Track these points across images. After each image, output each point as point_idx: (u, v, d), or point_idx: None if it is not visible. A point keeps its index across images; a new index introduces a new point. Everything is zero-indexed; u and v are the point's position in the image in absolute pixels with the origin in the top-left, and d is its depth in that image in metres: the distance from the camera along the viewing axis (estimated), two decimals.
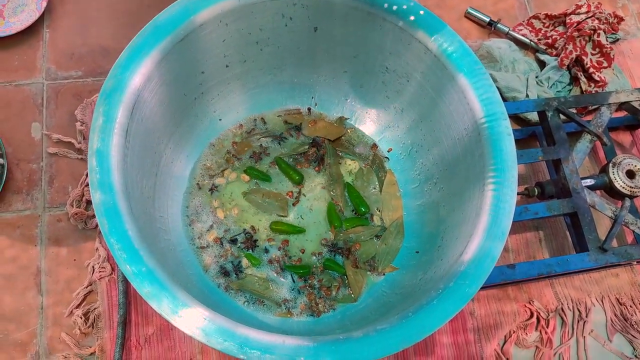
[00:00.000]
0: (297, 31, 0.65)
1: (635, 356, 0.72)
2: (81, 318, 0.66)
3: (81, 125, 0.76)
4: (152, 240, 0.51)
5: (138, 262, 0.44)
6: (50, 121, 0.77)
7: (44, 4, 0.81)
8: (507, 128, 0.55)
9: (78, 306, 0.67)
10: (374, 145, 0.75)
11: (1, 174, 0.71)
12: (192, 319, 0.45)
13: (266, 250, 0.68)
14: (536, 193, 0.74)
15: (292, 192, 0.71)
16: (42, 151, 0.75)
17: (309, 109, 0.76)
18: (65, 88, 0.79)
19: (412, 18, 0.59)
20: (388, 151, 0.75)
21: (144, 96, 0.54)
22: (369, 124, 0.75)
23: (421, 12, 0.60)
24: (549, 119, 0.75)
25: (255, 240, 0.68)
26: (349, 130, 0.75)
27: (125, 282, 0.67)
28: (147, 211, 0.55)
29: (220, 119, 0.71)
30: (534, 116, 0.82)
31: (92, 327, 0.67)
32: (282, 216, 0.70)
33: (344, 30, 0.64)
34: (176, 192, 0.67)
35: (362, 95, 0.73)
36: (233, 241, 0.68)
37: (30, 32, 0.81)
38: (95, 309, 0.67)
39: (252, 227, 0.69)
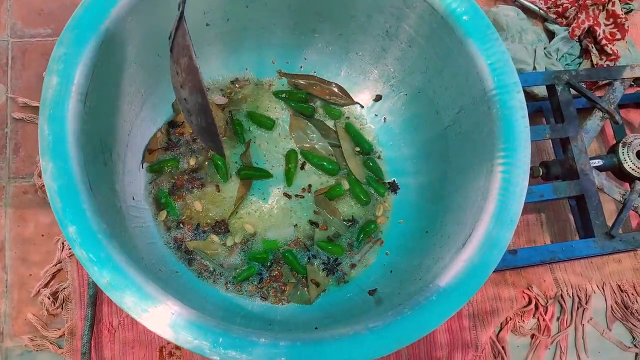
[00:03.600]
0: None
1: (635, 345, 0.71)
2: (49, 298, 0.62)
3: None
4: (118, 221, 0.45)
5: (96, 247, 0.39)
6: (16, 83, 0.71)
7: None
8: (520, 102, 0.50)
9: (46, 285, 0.63)
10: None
11: None
12: (158, 315, 0.40)
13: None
14: (541, 173, 0.71)
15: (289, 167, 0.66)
16: (6, 116, 0.70)
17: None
18: (32, 47, 0.73)
19: None
20: (383, 120, 0.70)
21: (108, 55, 0.48)
22: (365, 94, 0.70)
23: None
24: (558, 93, 0.70)
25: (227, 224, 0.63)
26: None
27: None
28: (113, 187, 0.50)
29: None
30: (540, 90, 0.77)
31: (61, 308, 0.63)
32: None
33: None
34: None
35: (358, 63, 0.68)
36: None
37: None
38: (64, 288, 0.63)
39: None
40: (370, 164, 0.68)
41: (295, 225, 0.63)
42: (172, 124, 0.65)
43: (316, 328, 0.45)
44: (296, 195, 0.65)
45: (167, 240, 0.61)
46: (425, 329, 0.41)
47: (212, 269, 0.61)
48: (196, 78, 0.46)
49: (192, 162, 0.64)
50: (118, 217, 0.46)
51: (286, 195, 0.65)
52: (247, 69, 0.68)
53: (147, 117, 0.59)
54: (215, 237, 0.62)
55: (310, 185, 0.66)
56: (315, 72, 0.70)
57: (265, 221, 0.63)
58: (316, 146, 0.67)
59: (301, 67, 0.70)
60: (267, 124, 0.67)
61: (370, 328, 0.41)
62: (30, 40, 0.73)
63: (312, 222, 0.64)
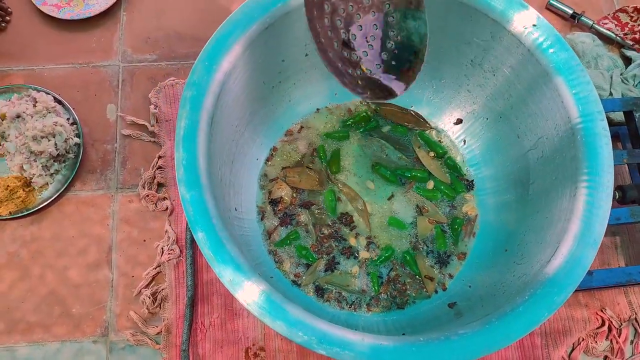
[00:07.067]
0: None
1: None
2: (149, 298, 0.67)
3: (155, 109, 0.77)
4: (229, 228, 0.51)
5: (220, 250, 0.44)
6: (125, 103, 0.78)
7: None
8: (604, 130, 0.52)
9: (147, 286, 0.69)
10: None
11: (77, 153, 0.72)
12: (271, 309, 0.44)
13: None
14: (617, 197, 0.70)
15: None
16: (116, 132, 0.76)
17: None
18: (140, 71, 0.80)
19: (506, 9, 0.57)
20: (463, 143, 0.72)
21: (228, 84, 0.53)
22: (446, 117, 0.73)
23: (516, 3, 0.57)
24: (637, 119, 0.71)
25: (350, 247, 0.68)
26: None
27: (193, 265, 0.68)
28: (225, 200, 0.55)
29: (295, 108, 0.71)
30: (616, 115, 0.77)
31: (159, 307, 0.68)
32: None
33: (431, 20, 0.61)
34: (250, 181, 0.67)
35: (442, 88, 0.71)
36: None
37: (109, 14, 0.83)
38: (163, 289, 0.68)
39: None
40: (449, 162, 0.71)
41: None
42: (272, 202, 0.68)
43: (403, 334, 0.49)
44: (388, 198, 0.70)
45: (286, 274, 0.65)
46: (511, 338, 0.44)
47: (347, 298, 0.64)
48: None
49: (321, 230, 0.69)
50: (229, 225, 0.51)
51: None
52: (336, 94, 0.72)
53: (249, 137, 0.65)
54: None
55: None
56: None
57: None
58: (392, 158, 0.71)
59: None
60: (342, 136, 0.73)
61: (460, 334, 0.44)
62: (138, 65, 0.80)
63: (418, 207, 0.69)
